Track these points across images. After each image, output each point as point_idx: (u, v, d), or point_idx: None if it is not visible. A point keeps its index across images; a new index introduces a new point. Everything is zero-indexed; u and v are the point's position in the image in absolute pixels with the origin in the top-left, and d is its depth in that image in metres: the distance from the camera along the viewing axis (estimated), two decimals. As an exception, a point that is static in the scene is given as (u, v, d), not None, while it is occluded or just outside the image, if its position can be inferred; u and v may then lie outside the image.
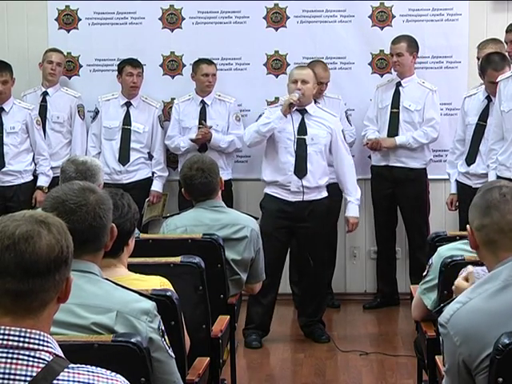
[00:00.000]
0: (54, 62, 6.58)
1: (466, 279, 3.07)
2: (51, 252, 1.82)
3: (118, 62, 6.59)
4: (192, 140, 6.41)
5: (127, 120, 6.56)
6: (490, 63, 5.75)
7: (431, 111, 6.38)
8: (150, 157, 6.62)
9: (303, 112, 5.74)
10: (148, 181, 6.58)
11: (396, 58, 6.36)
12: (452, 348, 2.36)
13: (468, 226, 2.59)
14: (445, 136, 6.56)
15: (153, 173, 6.60)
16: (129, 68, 6.49)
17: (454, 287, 3.12)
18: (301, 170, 5.65)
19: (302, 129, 5.70)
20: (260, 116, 5.80)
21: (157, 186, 6.59)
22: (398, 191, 6.43)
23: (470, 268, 3.10)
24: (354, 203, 5.84)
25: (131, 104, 6.58)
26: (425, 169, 6.46)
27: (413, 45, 6.36)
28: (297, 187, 5.65)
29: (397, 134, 6.38)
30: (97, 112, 6.63)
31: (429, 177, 6.50)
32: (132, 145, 6.53)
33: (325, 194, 5.77)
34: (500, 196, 2.53)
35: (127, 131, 6.54)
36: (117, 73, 6.56)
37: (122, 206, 2.92)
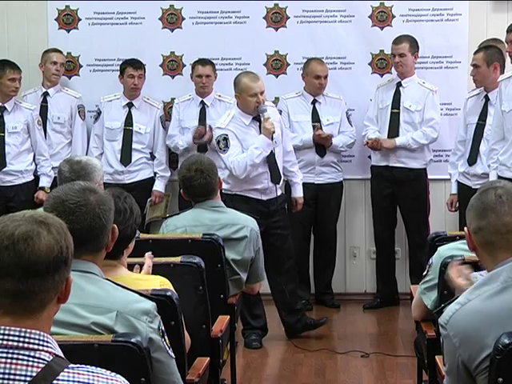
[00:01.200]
0: (58, 63, 6.58)
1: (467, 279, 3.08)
2: (50, 252, 1.82)
3: (120, 62, 6.59)
4: (195, 141, 6.40)
5: (129, 121, 6.56)
6: (477, 48, 5.99)
7: (431, 111, 6.38)
8: (153, 157, 6.62)
9: (259, 118, 5.62)
10: (150, 181, 6.58)
11: (398, 59, 6.35)
12: (452, 349, 2.36)
13: (465, 228, 2.60)
14: (445, 136, 6.56)
15: (155, 173, 6.61)
16: (130, 70, 6.48)
17: (455, 287, 3.12)
18: (276, 177, 5.66)
19: None
20: (226, 140, 5.57)
21: (159, 186, 6.59)
22: (397, 191, 6.43)
23: (466, 271, 3.11)
24: (300, 183, 5.91)
25: (133, 105, 6.58)
26: (425, 169, 6.46)
27: (414, 45, 6.36)
28: (270, 191, 5.66)
29: (397, 135, 6.37)
30: (99, 113, 6.63)
31: (429, 177, 6.49)
32: (134, 145, 6.53)
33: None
34: (496, 198, 2.53)
35: (129, 132, 6.54)
36: (119, 73, 6.56)
37: (125, 210, 2.92)
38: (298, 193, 5.96)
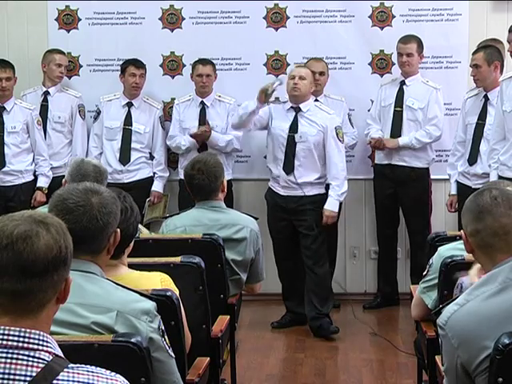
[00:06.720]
0: (62, 66, 6.57)
1: None
2: (49, 252, 1.82)
3: (121, 62, 6.59)
4: (191, 136, 6.41)
5: (128, 120, 6.56)
6: (476, 48, 6.05)
7: (435, 108, 6.35)
8: (152, 157, 6.62)
9: (297, 110, 5.89)
10: (149, 180, 6.58)
11: (406, 58, 6.33)
12: (450, 349, 2.36)
13: (462, 230, 2.59)
14: (445, 136, 6.54)
15: (154, 173, 6.61)
16: (132, 68, 6.48)
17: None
18: (287, 166, 5.85)
19: (294, 126, 5.88)
20: None
21: (157, 187, 6.59)
22: (400, 191, 6.41)
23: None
24: (334, 198, 5.88)
25: (132, 104, 6.58)
26: (427, 168, 6.44)
27: (421, 45, 6.37)
28: (285, 181, 5.87)
29: (400, 133, 6.36)
30: (98, 112, 6.63)
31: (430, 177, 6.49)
32: (133, 145, 6.53)
33: (319, 190, 5.87)
34: (491, 199, 2.52)
35: (128, 131, 6.54)
36: (119, 72, 6.55)
37: (126, 209, 2.91)
38: (328, 205, 5.87)
